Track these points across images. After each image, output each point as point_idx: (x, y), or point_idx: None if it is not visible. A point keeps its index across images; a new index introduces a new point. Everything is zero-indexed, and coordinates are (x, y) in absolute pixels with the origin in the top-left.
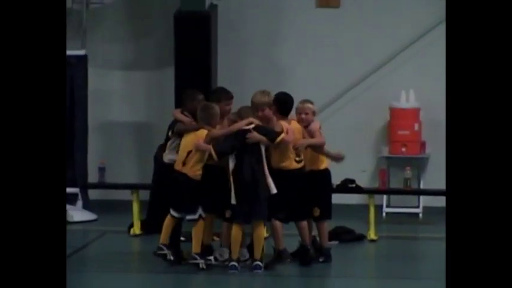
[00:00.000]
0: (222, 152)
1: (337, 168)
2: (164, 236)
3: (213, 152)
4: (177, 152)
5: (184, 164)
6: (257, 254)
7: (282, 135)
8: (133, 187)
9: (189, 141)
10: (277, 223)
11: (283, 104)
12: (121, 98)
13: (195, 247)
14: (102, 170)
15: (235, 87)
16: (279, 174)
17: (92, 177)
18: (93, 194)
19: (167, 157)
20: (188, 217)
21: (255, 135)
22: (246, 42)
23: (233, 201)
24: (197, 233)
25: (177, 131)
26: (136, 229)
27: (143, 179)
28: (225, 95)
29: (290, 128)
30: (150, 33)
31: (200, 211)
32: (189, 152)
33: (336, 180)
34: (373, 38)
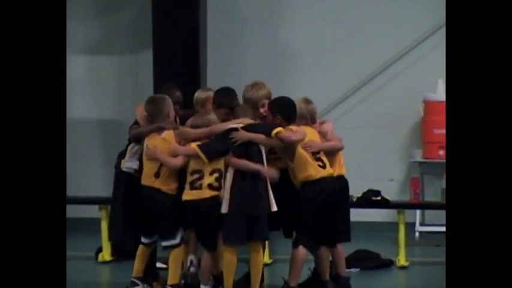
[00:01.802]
0: (213, 152)
1: (359, 176)
2: (138, 267)
3: (200, 154)
4: (138, 159)
5: (157, 176)
6: (255, 284)
7: (280, 128)
8: (102, 202)
9: (158, 147)
10: (301, 251)
11: (288, 109)
12: (85, 90)
13: (172, 277)
14: None
15: (229, 76)
16: (306, 188)
17: None
18: None
19: (126, 164)
20: (165, 243)
21: (243, 134)
22: (241, 20)
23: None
24: (176, 261)
25: (132, 138)
26: (106, 254)
27: None
28: (228, 101)
29: (299, 129)
30: (121, 7)
31: (181, 233)
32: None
33: (356, 191)
34: (402, 13)
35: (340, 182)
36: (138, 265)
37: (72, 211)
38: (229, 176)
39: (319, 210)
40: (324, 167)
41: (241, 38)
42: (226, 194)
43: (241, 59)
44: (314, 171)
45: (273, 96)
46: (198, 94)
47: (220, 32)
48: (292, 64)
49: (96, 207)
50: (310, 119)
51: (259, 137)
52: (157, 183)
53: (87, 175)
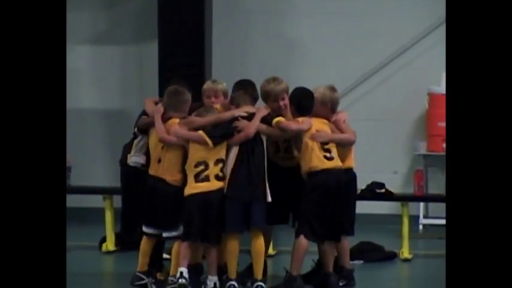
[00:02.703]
0: (218, 136)
1: (363, 169)
2: (142, 261)
3: (206, 138)
4: (144, 153)
5: (159, 162)
6: (258, 272)
7: (280, 118)
8: (106, 192)
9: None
10: (303, 241)
11: (302, 99)
12: (90, 80)
13: (175, 269)
14: (67, 170)
15: (234, 68)
16: (311, 179)
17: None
18: None
19: (132, 159)
20: (165, 234)
21: (246, 123)
22: (247, 10)
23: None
24: (178, 253)
25: (139, 127)
26: (110, 244)
27: (118, 182)
28: (255, 93)
29: (306, 119)
30: None
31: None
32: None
33: (360, 184)
34: (407, 6)
35: (349, 175)
36: (142, 259)
37: (77, 201)
38: (231, 159)
39: (321, 201)
40: (330, 159)
41: (246, 29)
42: (227, 176)
43: (246, 51)
44: (318, 162)
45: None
46: (207, 86)
47: (225, 23)
48: (297, 56)
49: (100, 197)
50: (330, 107)
51: (261, 126)
52: (161, 172)
53: (92, 165)
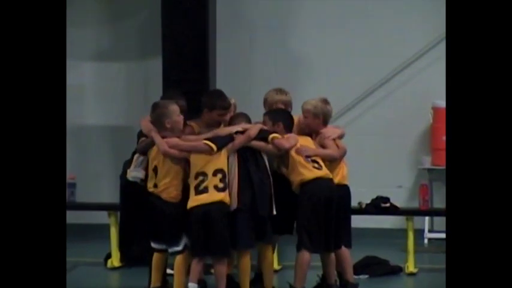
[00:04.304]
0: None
1: (368, 183)
2: (155, 277)
3: (209, 143)
4: (144, 168)
5: (155, 184)
6: (268, 283)
7: (276, 134)
8: (111, 208)
9: (153, 155)
10: (305, 255)
11: (288, 118)
12: (95, 96)
13: (178, 284)
14: (71, 186)
15: (237, 83)
16: (304, 189)
17: None
18: None
19: (131, 174)
20: (170, 250)
21: (240, 138)
22: (251, 27)
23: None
24: (180, 268)
25: (139, 152)
26: (115, 260)
27: None
28: (220, 103)
29: (291, 135)
30: (131, 14)
31: (185, 240)
32: (156, 169)
33: (365, 198)
34: (412, 20)
35: (342, 191)
36: (155, 275)
37: (82, 217)
38: (234, 169)
39: (316, 210)
40: (319, 168)
41: (250, 45)
42: (234, 190)
43: (250, 66)
44: (308, 172)
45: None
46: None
47: (229, 39)
48: (301, 71)
49: (105, 213)
50: (322, 120)
51: (260, 143)
52: (157, 191)
53: (97, 181)
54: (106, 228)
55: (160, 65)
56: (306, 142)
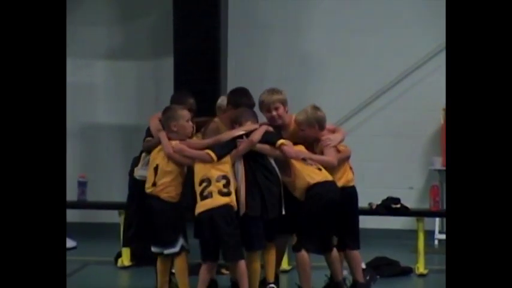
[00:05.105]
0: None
1: (378, 184)
2: (161, 282)
3: (209, 152)
4: None
5: (154, 184)
6: (270, 275)
7: (283, 140)
8: (122, 207)
9: (155, 154)
10: (304, 255)
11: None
12: (106, 95)
13: (182, 287)
14: (82, 185)
15: (249, 83)
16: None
17: (70, 194)
18: (72, 216)
19: (138, 172)
20: (166, 251)
21: (243, 145)
22: (263, 27)
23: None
24: (181, 270)
25: (145, 151)
26: (125, 259)
27: None
28: (245, 101)
29: (289, 142)
30: (143, 13)
31: (182, 242)
32: (157, 168)
33: (376, 199)
34: (422, 22)
35: (349, 192)
36: (161, 279)
37: (92, 216)
38: (240, 174)
39: (321, 212)
40: (320, 169)
41: (262, 45)
42: (242, 195)
43: (261, 66)
44: (313, 174)
45: (291, 102)
46: (221, 101)
47: (241, 39)
48: (313, 72)
49: (116, 212)
50: (318, 127)
51: (264, 147)
52: (155, 191)
53: (107, 180)
54: (116, 227)
55: (171, 64)
56: (301, 149)
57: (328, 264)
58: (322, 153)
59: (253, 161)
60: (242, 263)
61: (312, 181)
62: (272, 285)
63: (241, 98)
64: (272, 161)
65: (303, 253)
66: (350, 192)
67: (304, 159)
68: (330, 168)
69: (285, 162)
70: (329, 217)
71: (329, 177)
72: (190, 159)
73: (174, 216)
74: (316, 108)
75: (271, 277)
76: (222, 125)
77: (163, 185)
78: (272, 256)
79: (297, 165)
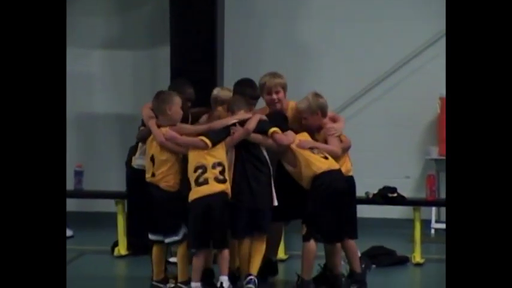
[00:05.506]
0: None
1: (375, 173)
2: (157, 270)
3: (203, 138)
4: None
5: (153, 173)
6: (254, 267)
7: (276, 129)
8: (119, 196)
9: (149, 143)
10: (312, 245)
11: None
12: (103, 85)
13: (181, 275)
14: (79, 174)
15: (246, 73)
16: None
17: (67, 183)
18: (68, 205)
19: (136, 161)
20: (167, 240)
21: (238, 133)
22: (260, 16)
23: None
24: (184, 258)
25: (139, 140)
26: (122, 249)
27: None
28: (250, 91)
29: (289, 132)
30: (140, 3)
31: (184, 230)
32: (153, 158)
33: (372, 188)
34: (419, 11)
35: (348, 182)
36: (156, 268)
37: (89, 205)
38: (229, 163)
39: (331, 201)
40: (326, 158)
41: (259, 34)
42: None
43: (258, 55)
44: (320, 163)
45: (288, 92)
46: (217, 92)
47: (238, 27)
48: (310, 61)
49: (112, 201)
50: (320, 114)
51: (257, 136)
52: (155, 180)
53: (104, 169)
54: (113, 216)
55: (168, 54)
56: (304, 137)
57: (328, 255)
58: (325, 141)
59: (245, 151)
60: (226, 252)
61: (319, 171)
62: (252, 277)
63: (246, 88)
64: (265, 152)
65: (312, 242)
66: (348, 182)
67: (311, 148)
68: (333, 158)
69: (290, 152)
70: (336, 206)
71: (335, 166)
72: (183, 147)
73: (175, 205)
74: (317, 95)
75: (254, 269)
76: (225, 114)
77: (162, 174)
78: (260, 247)
79: (304, 154)
